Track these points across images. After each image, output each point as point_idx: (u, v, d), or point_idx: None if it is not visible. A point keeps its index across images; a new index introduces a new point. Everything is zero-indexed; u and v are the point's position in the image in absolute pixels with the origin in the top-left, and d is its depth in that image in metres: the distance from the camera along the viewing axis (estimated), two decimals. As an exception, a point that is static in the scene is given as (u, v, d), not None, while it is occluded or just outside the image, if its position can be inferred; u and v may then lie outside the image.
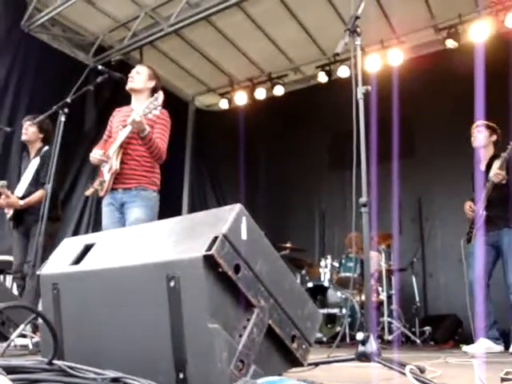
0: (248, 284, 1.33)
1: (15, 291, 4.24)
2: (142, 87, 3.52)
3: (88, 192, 3.64)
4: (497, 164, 4.13)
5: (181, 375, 1.30)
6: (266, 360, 1.39)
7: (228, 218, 1.32)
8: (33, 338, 3.08)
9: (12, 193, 4.24)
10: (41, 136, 4.42)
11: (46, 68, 6.17)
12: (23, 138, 4.43)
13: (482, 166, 4.37)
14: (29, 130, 4.38)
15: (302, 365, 1.55)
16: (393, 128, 5.71)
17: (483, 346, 3.97)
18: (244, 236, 1.34)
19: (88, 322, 1.67)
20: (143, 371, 1.37)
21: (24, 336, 3.06)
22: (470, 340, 4.34)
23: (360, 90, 2.31)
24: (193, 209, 8.31)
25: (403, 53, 6.59)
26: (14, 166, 5.67)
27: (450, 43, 6.22)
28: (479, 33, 5.96)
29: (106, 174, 3.36)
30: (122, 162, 3.33)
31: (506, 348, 4.03)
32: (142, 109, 3.19)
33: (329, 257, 5.79)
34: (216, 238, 1.27)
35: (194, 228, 1.41)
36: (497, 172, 4.05)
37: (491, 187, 4.14)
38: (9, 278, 4.92)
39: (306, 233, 7.23)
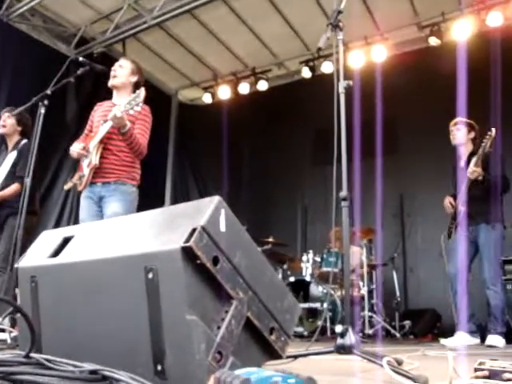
0: (226, 276, 1.33)
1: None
2: (124, 82, 3.48)
3: (67, 186, 3.61)
4: (473, 160, 4.20)
5: (159, 367, 1.30)
6: (244, 352, 1.39)
7: (207, 210, 1.32)
8: (11, 332, 3.04)
9: None
10: (19, 129, 4.36)
11: (25, 59, 6.08)
12: (1, 130, 4.36)
13: (462, 163, 4.43)
14: (7, 122, 4.32)
15: (280, 357, 1.55)
16: (376, 124, 5.76)
17: (461, 339, 4.04)
18: (223, 228, 1.34)
19: (66, 314, 1.65)
20: (121, 363, 1.36)
21: (2, 330, 3.03)
22: (448, 333, 4.42)
23: (341, 85, 2.32)
24: (175, 203, 8.24)
25: (387, 49, 6.64)
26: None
27: (433, 41, 6.29)
28: (461, 31, 6.04)
29: (86, 169, 3.33)
30: (101, 157, 3.30)
31: (482, 341, 4.11)
32: (123, 104, 3.16)
33: (310, 251, 5.81)
34: (194, 229, 1.26)
35: (172, 220, 1.40)
36: (472, 169, 4.11)
37: (469, 184, 4.19)
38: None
39: (288, 228, 7.26)
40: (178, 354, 1.27)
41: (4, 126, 4.33)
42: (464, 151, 4.45)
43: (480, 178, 4.09)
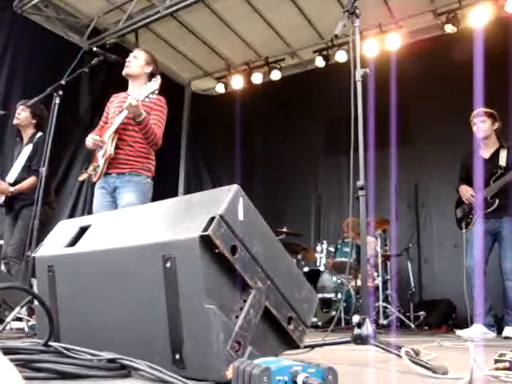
0: (245, 265, 1.32)
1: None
2: (138, 72, 3.46)
3: (81, 177, 3.61)
4: (504, 153, 4.15)
5: (177, 356, 1.30)
6: (262, 341, 1.39)
7: (225, 198, 1.31)
8: (29, 321, 3.08)
9: (4, 179, 4.21)
10: (34, 122, 4.37)
11: (39, 50, 6.10)
12: (15, 121, 4.39)
13: (485, 154, 4.34)
14: (21, 115, 4.34)
15: (298, 347, 1.55)
16: (390, 114, 5.69)
17: (477, 331, 4.01)
18: (241, 217, 1.33)
19: (84, 303, 1.66)
20: (139, 352, 1.36)
21: (20, 319, 3.06)
22: (463, 325, 4.38)
23: (358, 73, 2.28)
24: (188, 193, 8.27)
25: (401, 37, 6.54)
26: (8, 151, 5.63)
27: (449, 28, 6.18)
28: (479, 18, 5.92)
29: (101, 159, 3.33)
30: (116, 148, 3.29)
31: (499, 333, 4.07)
32: (138, 93, 3.14)
33: (325, 242, 5.79)
34: (213, 218, 1.25)
35: (190, 209, 1.39)
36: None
37: (497, 176, 4.14)
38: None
39: (302, 218, 7.24)
40: (196, 343, 1.27)
41: (18, 119, 4.35)
42: (487, 142, 4.35)
43: None
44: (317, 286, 5.34)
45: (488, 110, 4.35)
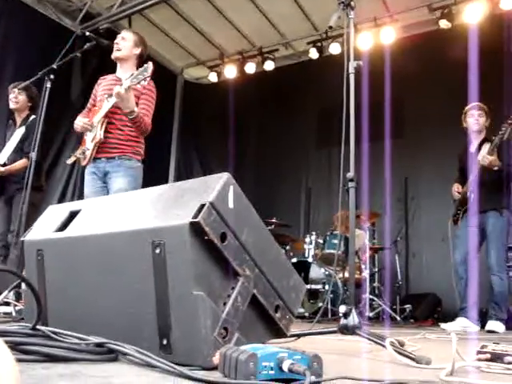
0: (234, 253, 1.33)
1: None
2: (127, 54, 3.43)
3: (69, 160, 3.59)
4: (486, 147, 4.15)
5: (164, 341, 1.31)
6: (249, 329, 1.40)
7: (215, 186, 1.31)
8: (16, 305, 3.07)
9: None
10: (29, 104, 4.36)
11: (31, 33, 6.02)
12: (12, 106, 4.35)
13: (472, 148, 4.38)
14: (19, 98, 4.31)
15: (285, 335, 1.56)
16: (383, 107, 5.71)
17: (461, 324, 4.06)
18: (231, 205, 1.33)
19: (72, 288, 1.66)
20: (127, 337, 1.37)
21: (7, 304, 3.05)
22: (448, 318, 4.44)
23: (352, 65, 2.29)
24: (179, 181, 8.26)
25: (396, 31, 6.54)
26: (-1, 132, 5.58)
27: (444, 24, 6.19)
28: (473, 14, 5.93)
29: (89, 143, 3.31)
30: (105, 131, 3.27)
31: (482, 327, 4.13)
32: (130, 79, 3.11)
33: (314, 233, 5.82)
34: (203, 205, 1.26)
35: (180, 195, 1.40)
36: (484, 155, 4.06)
37: (480, 170, 4.16)
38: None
39: (291, 209, 7.27)
40: (183, 329, 1.28)
41: (17, 102, 4.32)
42: (476, 136, 4.39)
43: (496, 167, 4.05)
44: (305, 277, 5.38)
45: (483, 105, 4.39)
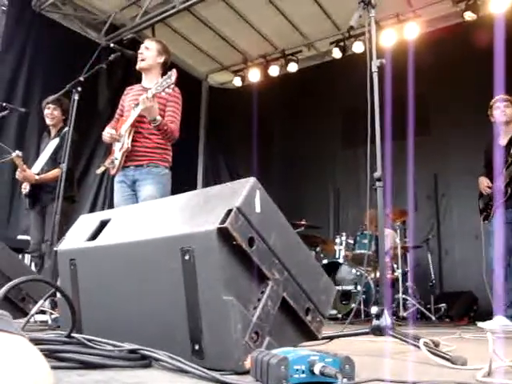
0: (262, 257, 1.33)
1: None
2: (151, 64, 3.47)
3: (99, 170, 3.65)
4: None
5: (196, 346, 1.32)
6: (280, 332, 1.40)
7: (242, 191, 1.32)
8: (52, 314, 3.14)
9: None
10: (63, 118, 4.45)
11: (58, 47, 6.18)
12: (49, 122, 4.44)
13: (503, 142, 4.29)
14: (54, 114, 4.40)
15: (316, 338, 1.56)
16: (408, 104, 5.63)
17: (499, 322, 3.96)
18: (258, 209, 1.34)
19: (105, 296, 1.69)
20: (159, 343, 1.39)
21: (43, 312, 3.12)
22: (485, 317, 4.33)
23: (374, 63, 2.27)
24: (207, 186, 8.33)
25: (419, 26, 6.45)
26: (29, 147, 5.72)
27: (469, 15, 6.07)
28: (499, 4, 5.80)
29: (118, 153, 3.36)
30: (133, 140, 3.32)
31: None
32: (154, 87, 3.15)
33: (343, 234, 5.78)
34: (230, 210, 1.27)
35: (208, 201, 1.41)
36: None
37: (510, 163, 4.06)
38: (27, 258, 4.99)
39: (320, 210, 7.23)
40: (215, 334, 1.29)
41: (53, 118, 4.42)
42: (505, 129, 4.30)
43: None
44: (336, 278, 5.34)
45: (510, 97, 4.30)
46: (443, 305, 5.42)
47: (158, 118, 3.18)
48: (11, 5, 5.99)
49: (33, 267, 4.42)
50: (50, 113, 4.40)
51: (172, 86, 3.12)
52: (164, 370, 1.29)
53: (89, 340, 1.44)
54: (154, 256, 1.46)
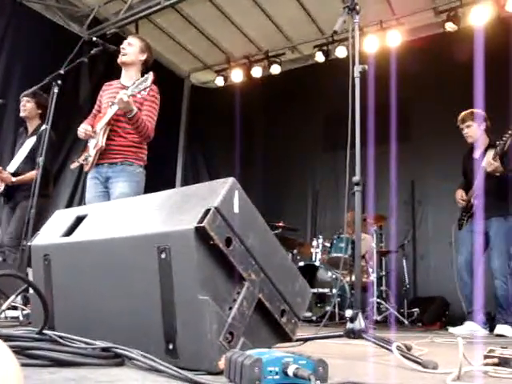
0: (239, 257, 1.33)
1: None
2: (133, 60, 3.45)
3: (73, 166, 3.61)
4: (490, 153, 4.13)
5: (170, 346, 1.31)
6: (255, 333, 1.40)
7: (220, 191, 1.32)
8: (23, 310, 3.09)
9: (4, 168, 4.21)
10: (39, 112, 4.37)
11: (39, 39, 6.08)
12: (22, 114, 4.38)
13: (476, 155, 4.36)
14: (27, 106, 4.33)
15: (291, 339, 1.56)
16: (389, 110, 5.70)
17: (469, 328, 4.04)
18: (236, 209, 1.34)
19: (79, 292, 1.67)
20: (133, 341, 1.38)
21: (15, 308, 3.07)
22: (457, 322, 4.42)
23: (357, 69, 2.29)
24: (186, 185, 8.29)
25: (402, 34, 6.54)
26: (6, 139, 5.62)
27: (450, 26, 6.18)
28: (479, 17, 5.92)
29: (92, 150, 3.33)
30: (108, 139, 3.30)
31: (491, 331, 4.10)
32: (130, 88, 3.14)
33: (321, 237, 5.81)
34: (208, 210, 1.27)
35: (186, 200, 1.40)
36: (490, 161, 4.04)
37: (484, 176, 4.13)
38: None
39: (298, 213, 7.26)
40: (189, 334, 1.28)
41: (25, 110, 4.34)
42: (479, 143, 4.36)
43: (498, 173, 4.03)
44: (312, 280, 5.37)
45: (472, 110, 4.34)
46: (416, 309, 5.51)
47: (135, 108, 3.16)
48: (-9, -7, 5.89)
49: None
50: (23, 104, 4.34)
51: (148, 89, 3.13)
52: (137, 369, 1.27)
53: (61, 337, 1.41)
54: (130, 253, 1.45)
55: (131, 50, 3.45)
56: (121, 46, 3.46)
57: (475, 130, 4.31)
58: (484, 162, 4.14)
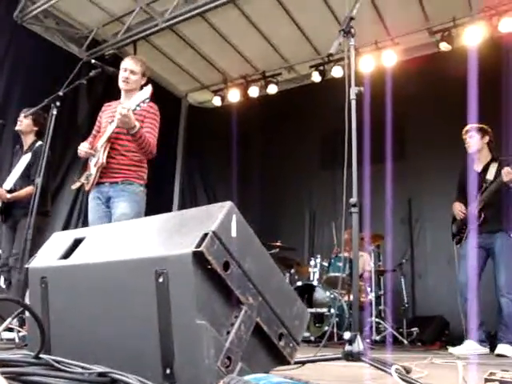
0: (237, 281, 1.33)
1: (2, 285, 4.22)
2: (135, 87, 3.47)
3: (74, 186, 3.62)
4: (494, 167, 4.19)
5: (168, 371, 1.30)
6: (253, 357, 1.39)
7: (218, 215, 1.32)
8: (19, 331, 3.06)
9: (0, 185, 4.22)
10: (35, 129, 4.39)
11: (38, 60, 6.13)
12: (17, 128, 4.40)
13: (478, 168, 4.39)
14: (23, 121, 4.36)
15: (289, 363, 1.55)
16: (385, 129, 5.74)
17: (469, 347, 4.00)
18: (234, 233, 1.34)
19: (76, 316, 1.66)
20: (131, 366, 1.36)
21: (11, 330, 3.05)
22: (456, 341, 4.38)
23: (353, 91, 2.32)
24: (183, 205, 8.30)
25: (397, 54, 6.62)
26: (4, 159, 5.63)
27: (444, 46, 6.27)
28: (473, 37, 6.01)
29: (93, 168, 3.34)
30: (109, 157, 3.30)
31: (492, 350, 4.06)
32: (128, 103, 3.14)
33: (318, 256, 5.80)
34: (206, 234, 1.27)
35: (184, 224, 1.41)
36: (508, 170, 4.02)
37: (494, 189, 4.15)
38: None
39: (296, 232, 7.25)
40: (187, 359, 1.27)
41: (20, 125, 4.37)
42: (479, 156, 4.40)
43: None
44: (310, 300, 5.34)
45: (477, 125, 4.41)
46: (415, 329, 5.47)
47: (137, 124, 3.17)
48: (-8, 15, 5.96)
49: (2, 281, 4.33)
50: (20, 119, 4.37)
51: (147, 100, 3.12)
52: (134, 395, 1.26)
53: (57, 361, 1.40)
54: (127, 277, 1.44)
55: (134, 78, 3.45)
56: (123, 76, 3.44)
57: (477, 141, 4.37)
58: (490, 175, 4.16)
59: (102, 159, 3.28)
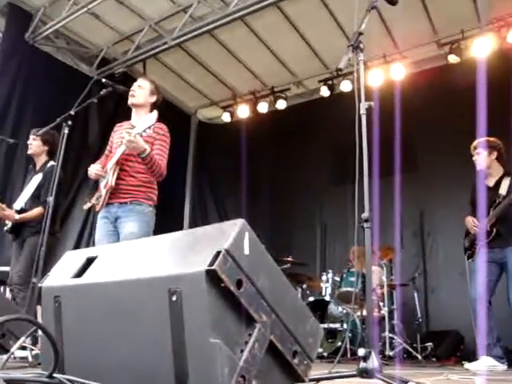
0: (250, 299, 1.33)
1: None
2: (143, 102, 3.49)
3: (85, 206, 3.63)
4: (507, 181, 4.15)
5: (182, 390, 1.29)
6: (267, 375, 1.38)
7: (231, 233, 1.32)
8: (32, 350, 3.07)
9: (11, 205, 4.25)
10: (46, 149, 4.41)
11: (50, 80, 6.22)
12: (29, 151, 4.45)
13: (490, 183, 4.34)
14: (33, 144, 4.40)
15: (303, 381, 1.54)
16: (395, 142, 5.72)
17: (486, 363, 3.92)
18: (246, 251, 1.34)
19: (89, 335, 1.66)
20: (144, 386, 1.36)
21: (24, 348, 3.05)
22: (472, 356, 4.30)
23: (363, 106, 2.32)
24: (194, 222, 8.31)
25: (406, 67, 6.63)
26: (16, 178, 5.69)
27: (453, 58, 6.27)
28: (481, 48, 6.00)
29: (103, 189, 3.36)
30: (118, 178, 3.31)
31: (510, 366, 3.98)
32: (135, 130, 3.16)
33: (330, 271, 5.76)
34: (218, 253, 1.27)
35: (196, 242, 1.41)
36: None
37: (507, 204, 4.11)
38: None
39: (307, 247, 7.21)
40: (201, 378, 1.27)
41: (30, 148, 4.41)
42: (491, 171, 4.35)
43: None
44: (323, 315, 5.30)
45: (485, 139, 4.37)
46: (430, 344, 5.38)
47: (147, 147, 3.19)
48: (4, 36, 6.07)
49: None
50: (30, 142, 4.41)
51: (152, 126, 3.16)
52: (148, 415, 1.25)
53: (71, 381, 1.40)
54: (141, 296, 1.44)
55: (141, 92, 3.49)
56: (131, 89, 3.51)
57: (484, 158, 4.31)
58: (503, 190, 4.14)
59: (110, 182, 3.30)
